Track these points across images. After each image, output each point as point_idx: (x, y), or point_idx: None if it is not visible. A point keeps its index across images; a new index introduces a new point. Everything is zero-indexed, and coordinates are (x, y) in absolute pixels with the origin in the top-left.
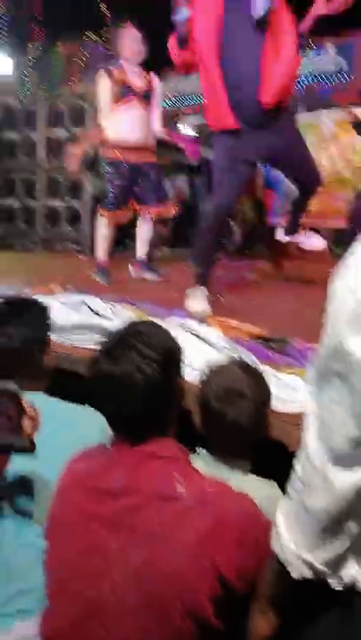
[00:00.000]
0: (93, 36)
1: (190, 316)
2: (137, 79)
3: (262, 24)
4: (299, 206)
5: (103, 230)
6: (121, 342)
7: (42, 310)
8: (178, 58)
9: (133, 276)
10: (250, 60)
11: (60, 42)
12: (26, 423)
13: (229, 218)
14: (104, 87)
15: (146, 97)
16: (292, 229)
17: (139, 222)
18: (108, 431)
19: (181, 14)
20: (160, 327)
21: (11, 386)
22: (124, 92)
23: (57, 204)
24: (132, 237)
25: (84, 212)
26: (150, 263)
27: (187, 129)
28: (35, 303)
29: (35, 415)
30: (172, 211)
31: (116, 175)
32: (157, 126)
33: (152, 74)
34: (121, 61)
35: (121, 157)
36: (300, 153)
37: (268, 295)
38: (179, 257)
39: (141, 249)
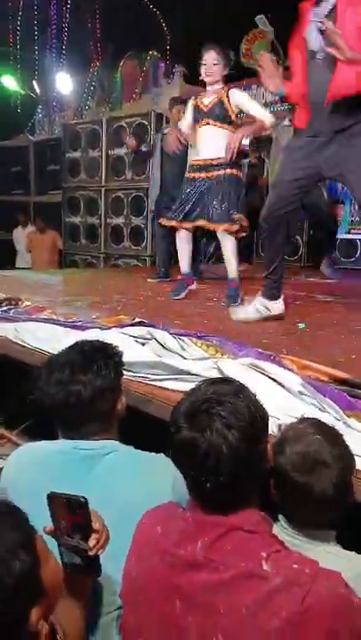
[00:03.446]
0: (155, 53)
1: (263, 355)
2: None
3: None
4: None
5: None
6: (204, 408)
7: (115, 356)
8: None
9: None
10: None
11: (122, 60)
12: (92, 540)
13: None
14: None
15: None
16: None
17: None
18: (185, 489)
19: None
20: (244, 388)
21: (80, 497)
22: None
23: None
24: None
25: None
26: None
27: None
28: (108, 348)
29: (101, 529)
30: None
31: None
32: None
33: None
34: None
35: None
36: None
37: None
38: None
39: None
